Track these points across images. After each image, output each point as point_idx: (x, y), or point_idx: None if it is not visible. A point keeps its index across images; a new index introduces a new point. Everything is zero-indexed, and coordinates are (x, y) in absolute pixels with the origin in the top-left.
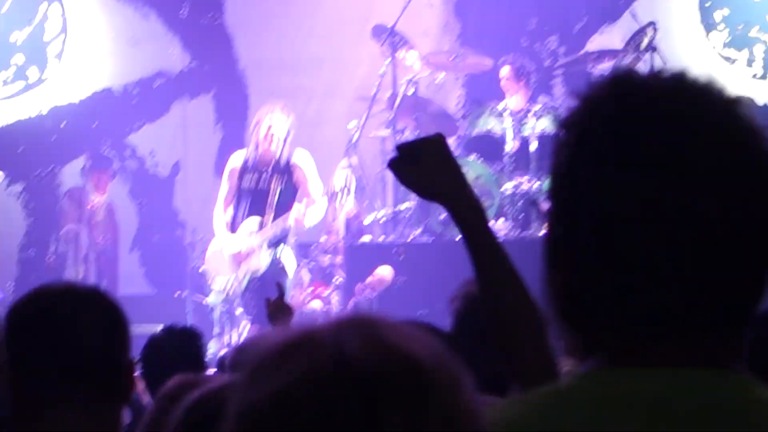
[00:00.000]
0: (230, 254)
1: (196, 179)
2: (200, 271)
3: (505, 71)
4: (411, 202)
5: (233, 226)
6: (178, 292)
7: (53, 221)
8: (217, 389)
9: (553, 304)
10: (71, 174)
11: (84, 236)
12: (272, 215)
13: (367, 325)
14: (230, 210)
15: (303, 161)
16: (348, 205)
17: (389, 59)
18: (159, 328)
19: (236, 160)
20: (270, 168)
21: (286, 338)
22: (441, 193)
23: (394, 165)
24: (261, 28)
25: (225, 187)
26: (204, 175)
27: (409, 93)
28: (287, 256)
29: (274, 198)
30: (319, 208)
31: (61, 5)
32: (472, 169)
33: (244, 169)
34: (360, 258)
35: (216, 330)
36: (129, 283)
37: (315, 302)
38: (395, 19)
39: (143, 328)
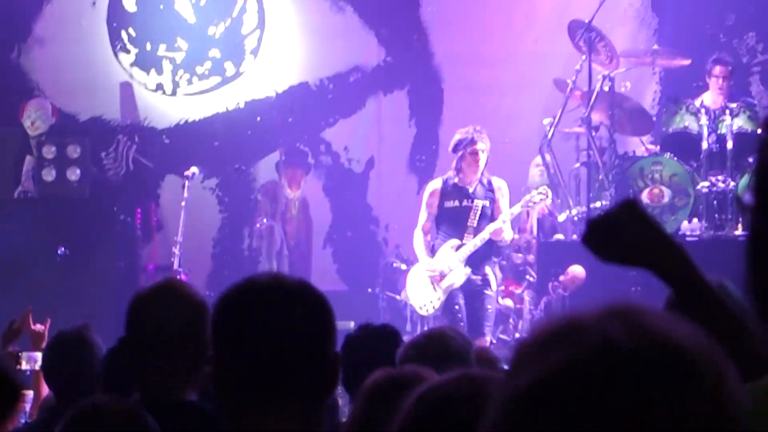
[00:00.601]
0: (430, 277)
1: (389, 175)
2: (400, 297)
3: (717, 70)
4: (605, 200)
5: (433, 250)
6: (371, 288)
7: (247, 216)
8: (448, 382)
9: (755, 302)
10: (266, 169)
11: (278, 231)
12: (471, 237)
13: (630, 312)
14: (431, 233)
15: (502, 187)
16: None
17: (585, 55)
18: (351, 324)
19: (436, 183)
20: (471, 192)
21: (549, 327)
22: (646, 259)
23: (588, 240)
24: (456, 22)
25: (424, 212)
26: (398, 170)
27: (605, 89)
28: (489, 270)
29: (474, 221)
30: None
31: (258, 0)
32: (668, 166)
33: (444, 193)
34: (553, 256)
35: (408, 327)
36: (322, 279)
37: (507, 300)
38: (592, 13)
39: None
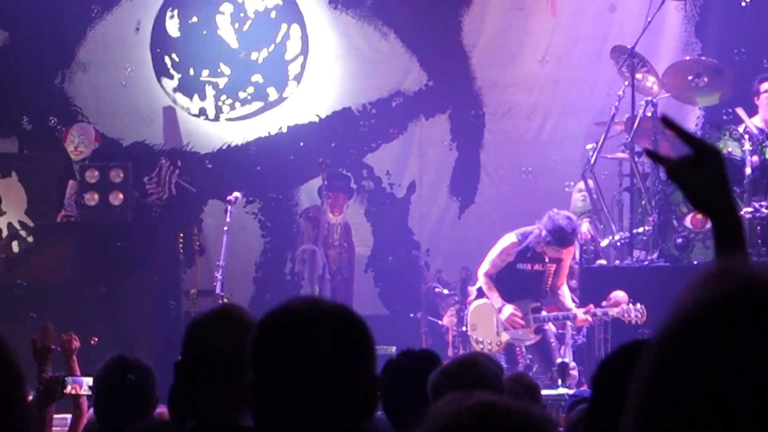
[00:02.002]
0: (500, 319)
1: (431, 199)
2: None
3: (765, 86)
4: (647, 225)
5: (507, 298)
6: (412, 313)
7: (290, 241)
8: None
9: None
10: (308, 194)
11: (320, 256)
12: (545, 299)
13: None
14: (502, 281)
15: (570, 253)
16: (583, 227)
17: (628, 80)
18: (392, 349)
19: (512, 238)
20: (547, 259)
21: (703, 271)
22: (717, 207)
23: (673, 165)
24: (496, 47)
25: (498, 256)
26: (439, 195)
27: (648, 114)
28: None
29: (547, 285)
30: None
31: (301, 26)
32: None
33: (522, 254)
34: (595, 281)
35: (450, 352)
36: (363, 303)
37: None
38: (635, 39)
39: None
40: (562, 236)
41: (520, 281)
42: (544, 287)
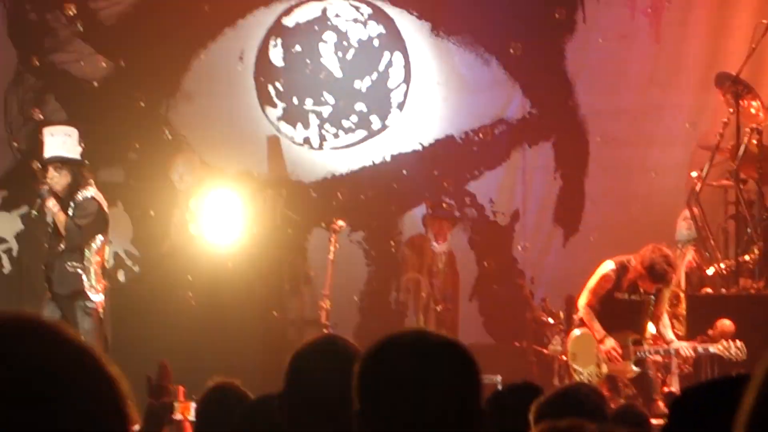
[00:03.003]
0: (600, 351)
1: (535, 227)
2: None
3: None
4: (753, 253)
5: (608, 329)
6: (518, 342)
7: (394, 269)
8: None
9: None
10: (412, 222)
11: (424, 284)
12: (645, 331)
13: None
14: (602, 310)
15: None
16: (688, 255)
17: (732, 107)
18: (498, 378)
19: (611, 265)
20: (642, 290)
21: None
22: None
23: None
24: (600, 74)
25: (597, 284)
26: (543, 223)
27: (753, 142)
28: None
29: (647, 315)
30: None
31: (404, 54)
32: None
33: (620, 282)
34: (701, 310)
35: (556, 381)
36: (468, 332)
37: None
38: (739, 66)
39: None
40: (656, 273)
41: (619, 311)
42: (644, 317)
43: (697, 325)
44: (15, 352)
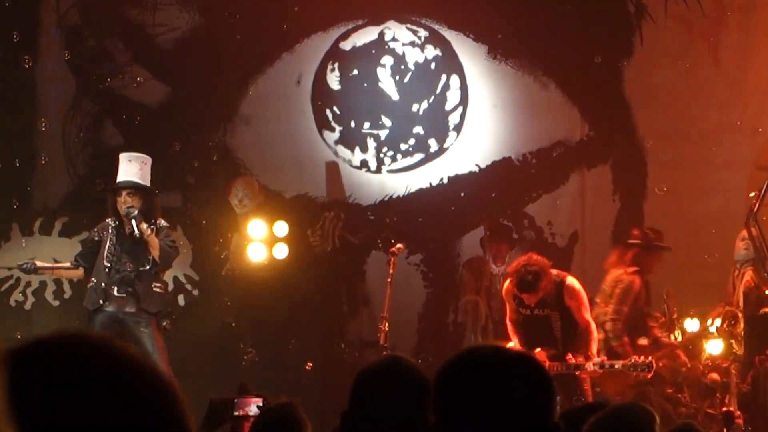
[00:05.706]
0: None
1: (594, 250)
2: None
3: None
4: None
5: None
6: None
7: (452, 291)
8: None
9: None
10: (470, 244)
11: (483, 307)
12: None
13: None
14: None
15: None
16: (747, 275)
17: None
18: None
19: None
20: (548, 302)
21: None
22: None
23: None
24: (659, 96)
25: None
26: (602, 245)
27: None
28: None
29: (554, 331)
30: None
31: (461, 76)
32: None
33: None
34: (759, 329)
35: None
36: None
37: (713, 374)
38: None
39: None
40: (520, 284)
41: (529, 327)
42: (552, 333)
43: (755, 345)
44: (89, 367)
